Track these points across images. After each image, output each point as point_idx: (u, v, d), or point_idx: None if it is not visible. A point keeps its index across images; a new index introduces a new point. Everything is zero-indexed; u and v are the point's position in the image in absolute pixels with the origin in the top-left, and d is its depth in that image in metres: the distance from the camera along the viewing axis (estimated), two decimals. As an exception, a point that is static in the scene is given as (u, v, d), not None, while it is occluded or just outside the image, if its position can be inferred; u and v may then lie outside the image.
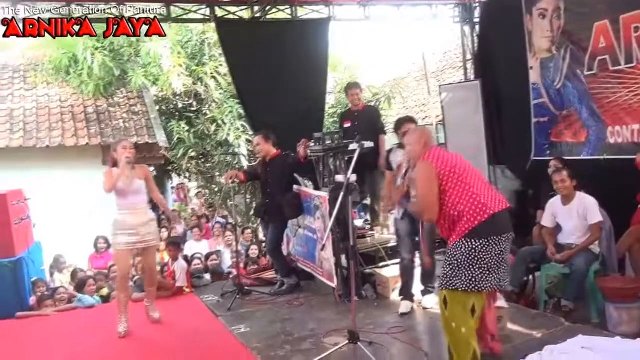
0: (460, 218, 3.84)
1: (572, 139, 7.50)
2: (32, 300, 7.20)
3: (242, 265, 7.63)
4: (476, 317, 3.88)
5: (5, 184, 7.99)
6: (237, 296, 6.55)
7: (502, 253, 3.87)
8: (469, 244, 3.81)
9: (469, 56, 10.01)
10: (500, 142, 8.91)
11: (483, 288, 3.83)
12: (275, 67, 7.94)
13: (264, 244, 8.44)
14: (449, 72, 14.68)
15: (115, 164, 5.73)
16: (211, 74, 11.38)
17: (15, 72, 12.95)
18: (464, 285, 3.81)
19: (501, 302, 4.84)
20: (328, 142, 6.26)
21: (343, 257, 6.21)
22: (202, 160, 12.73)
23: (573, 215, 5.86)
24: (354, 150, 4.88)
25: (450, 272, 3.87)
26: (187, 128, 11.72)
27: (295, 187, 6.83)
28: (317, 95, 8.44)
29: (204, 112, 11.96)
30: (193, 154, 12.10)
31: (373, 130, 7.35)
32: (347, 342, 4.57)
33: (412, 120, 5.79)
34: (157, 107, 12.59)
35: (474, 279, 3.81)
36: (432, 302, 5.56)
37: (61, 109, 11.95)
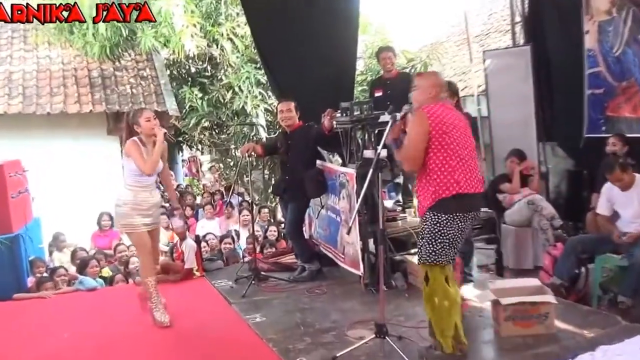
0: (429, 185, 4.17)
1: (631, 114, 7.29)
2: (30, 281, 7.28)
3: (258, 247, 7.59)
4: (454, 289, 4.25)
5: (3, 154, 8.04)
6: (253, 282, 6.53)
7: (464, 229, 4.24)
8: (435, 217, 4.15)
9: (517, 18, 9.76)
10: (551, 116, 8.72)
11: (441, 260, 4.17)
12: (299, 28, 7.81)
13: (282, 225, 8.40)
14: (495, 36, 14.38)
15: (130, 135, 5.54)
16: (227, 35, 11.30)
17: (15, 32, 12.99)
18: (431, 258, 4.16)
19: (548, 297, 4.74)
20: (356, 112, 6.15)
21: (371, 241, 6.14)
22: (216, 130, 12.72)
23: (633, 202, 5.73)
24: (386, 122, 4.77)
25: (423, 247, 4.22)
26: (200, 95, 11.69)
27: (318, 162, 6.76)
28: (346, 59, 8.29)
29: (219, 77, 11.92)
30: (206, 124, 12.09)
31: (407, 100, 7.21)
32: (373, 335, 4.52)
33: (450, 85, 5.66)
34: (168, 72, 12.57)
35: (434, 252, 4.15)
36: (470, 293, 5.48)
37: (63, 72, 12.00)
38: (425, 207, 4.20)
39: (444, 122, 4.15)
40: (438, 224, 4.13)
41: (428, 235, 4.17)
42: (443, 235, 4.13)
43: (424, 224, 4.22)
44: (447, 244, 4.14)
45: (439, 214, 4.13)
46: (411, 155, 4.21)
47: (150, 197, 5.56)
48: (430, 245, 4.15)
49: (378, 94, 7.47)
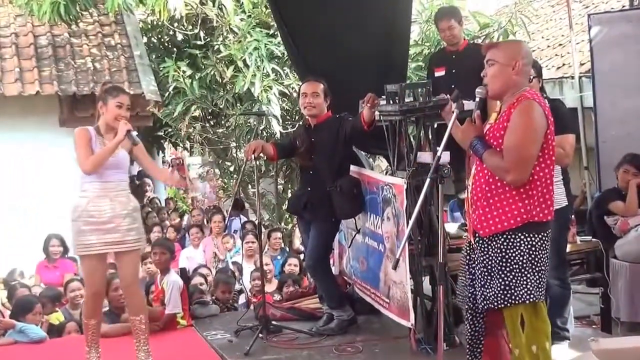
0: (518, 199, 4.30)
1: None
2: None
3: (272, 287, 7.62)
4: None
5: None
6: (260, 335, 6.57)
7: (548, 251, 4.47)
8: (528, 239, 4.32)
9: (637, -31, 9.79)
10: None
11: (543, 294, 4.40)
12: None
13: (302, 255, 8.46)
14: (605, -6, 14.40)
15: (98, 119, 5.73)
16: (229, -12, 11.42)
17: None
18: (532, 296, 4.31)
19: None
20: (408, 99, 6.20)
21: (426, 280, 6.17)
22: (211, 122, 12.79)
23: None
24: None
25: (514, 281, 4.31)
26: (189, 72, 11.76)
27: (353, 168, 6.81)
28: (395, 24, 8.24)
29: (216, 48, 12.00)
30: (197, 113, 12.15)
31: (480, 83, 7.24)
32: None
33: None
34: (145, 40, 12.68)
35: (537, 286, 4.32)
36: (564, 355, 5.51)
37: (-1, 38, 12.18)
38: (505, 226, 4.33)
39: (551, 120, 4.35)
40: (533, 247, 4.33)
41: (528, 264, 4.32)
42: (540, 260, 4.34)
43: (514, 251, 4.34)
44: (544, 272, 4.36)
45: (531, 235, 4.32)
46: (525, 160, 4.27)
47: (110, 205, 5.62)
48: (533, 276, 4.31)
49: (439, 73, 7.49)
